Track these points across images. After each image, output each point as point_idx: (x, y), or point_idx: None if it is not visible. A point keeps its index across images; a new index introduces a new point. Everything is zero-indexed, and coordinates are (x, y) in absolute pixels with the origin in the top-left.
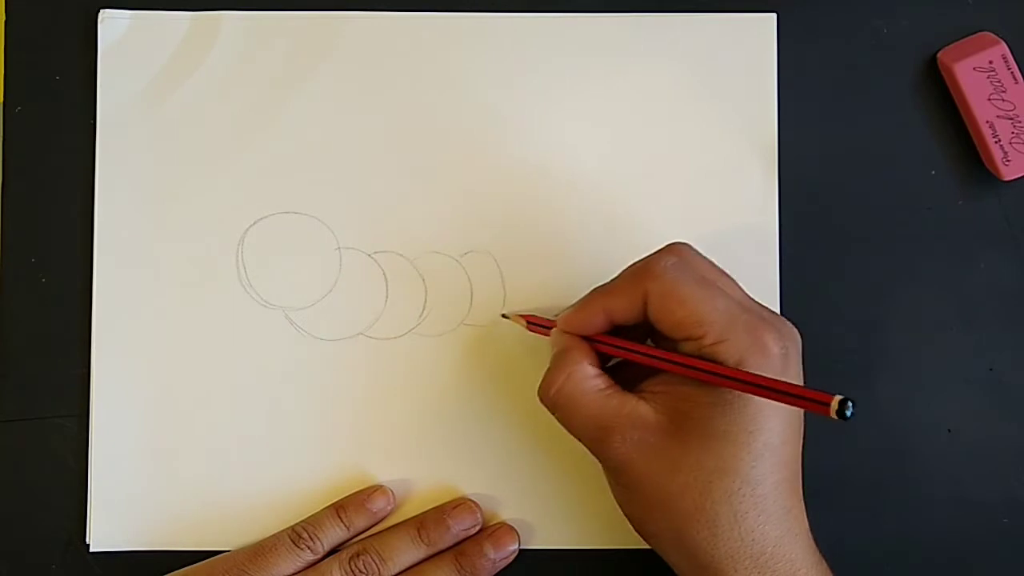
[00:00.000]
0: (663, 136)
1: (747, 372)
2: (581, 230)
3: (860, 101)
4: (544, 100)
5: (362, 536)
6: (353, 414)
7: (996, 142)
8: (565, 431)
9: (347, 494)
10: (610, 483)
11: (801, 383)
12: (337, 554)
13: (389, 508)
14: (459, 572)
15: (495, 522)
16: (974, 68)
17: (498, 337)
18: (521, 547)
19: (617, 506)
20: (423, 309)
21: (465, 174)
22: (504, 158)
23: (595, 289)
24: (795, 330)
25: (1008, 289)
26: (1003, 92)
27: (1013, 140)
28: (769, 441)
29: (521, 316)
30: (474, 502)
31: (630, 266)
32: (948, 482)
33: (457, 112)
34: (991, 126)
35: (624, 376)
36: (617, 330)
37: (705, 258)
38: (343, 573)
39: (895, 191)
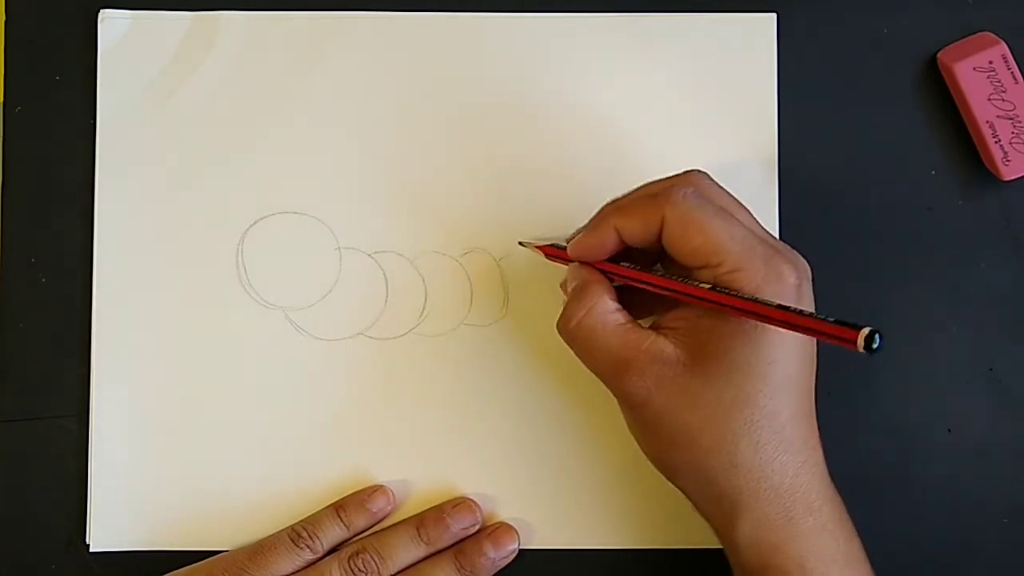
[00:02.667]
0: (663, 136)
1: (768, 303)
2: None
3: (860, 101)
4: (544, 100)
5: (362, 535)
6: (353, 414)
7: (996, 142)
8: (565, 431)
9: (347, 494)
10: (627, 420)
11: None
12: (336, 553)
13: (389, 508)
14: (459, 571)
15: (495, 522)
16: (974, 68)
17: (498, 337)
18: (521, 547)
19: (616, 506)
20: (423, 309)
21: (465, 174)
22: (504, 158)
23: (608, 206)
24: (806, 264)
25: (1008, 289)
26: (1003, 92)
27: (1013, 140)
28: (787, 372)
29: (538, 246)
30: (474, 501)
31: (645, 187)
32: (948, 482)
33: (457, 112)
34: (991, 126)
35: (634, 303)
36: (624, 253)
37: (722, 188)
38: (343, 572)
39: (895, 191)
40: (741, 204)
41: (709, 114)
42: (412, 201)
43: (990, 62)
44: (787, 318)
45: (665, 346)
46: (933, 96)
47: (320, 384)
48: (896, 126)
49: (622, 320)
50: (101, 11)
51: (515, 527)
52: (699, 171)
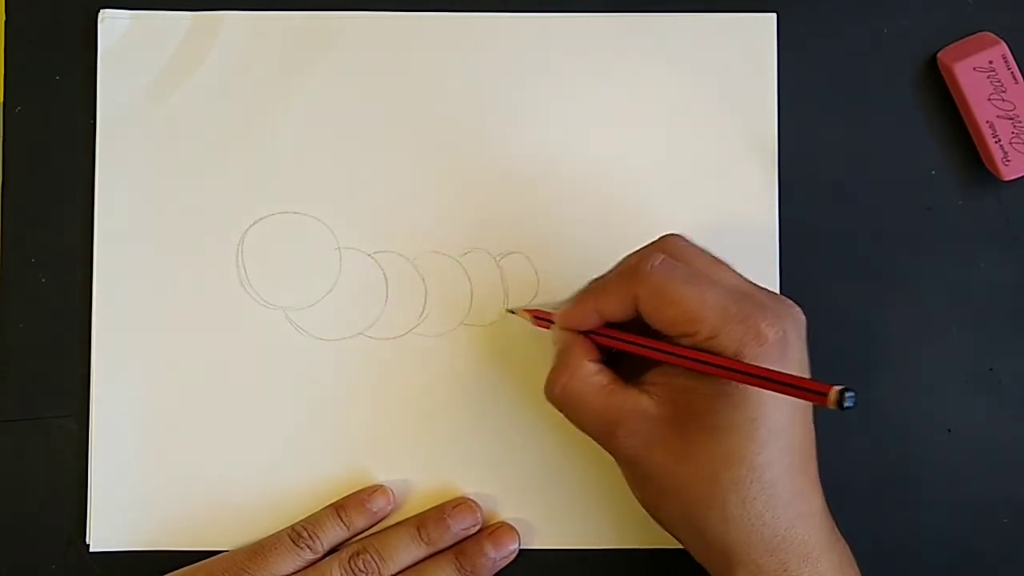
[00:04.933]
0: (663, 136)
1: (744, 363)
2: (581, 230)
3: (860, 101)
4: (544, 100)
5: (362, 535)
6: (353, 414)
7: (996, 142)
8: (565, 431)
9: (347, 494)
10: (623, 474)
11: (805, 366)
12: (337, 553)
13: (389, 508)
14: (459, 571)
15: (495, 522)
16: (974, 68)
17: (498, 337)
18: (521, 547)
19: (616, 506)
20: (423, 309)
21: (465, 174)
22: (504, 158)
23: (588, 285)
24: (796, 311)
25: (1008, 289)
26: (1003, 92)
27: (1013, 140)
28: (774, 427)
29: (527, 311)
30: (474, 501)
31: (620, 263)
32: (948, 482)
33: (457, 112)
34: (991, 126)
35: (627, 366)
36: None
37: (696, 248)
38: (343, 572)
39: (895, 191)
40: (719, 261)
41: (709, 114)
42: (412, 201)
43: (990, 62)
44: (762, 374)
45: (648, 404)
46: (933, 96)
47: (320, 384)
48: (896, 126)
49: (604, 381)
50: (101, 11)
51: (516, 527)
52: (672, 235)
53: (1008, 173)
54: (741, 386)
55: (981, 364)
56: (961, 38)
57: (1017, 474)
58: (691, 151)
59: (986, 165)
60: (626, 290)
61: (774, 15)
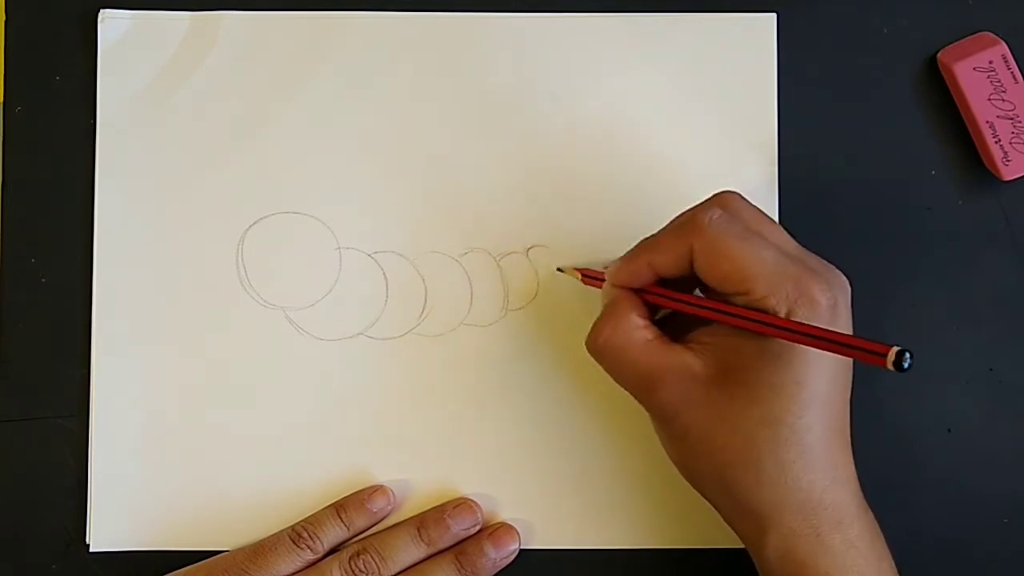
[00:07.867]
0: (663, 136)
1: (799, 323)
2: (580, 230)
3: (860, 101)
4: (544, 100)
5: (362, 536)
6: (353, 414)
7: (996, 142)
8: (565, 431)
9: (347, 494)
10: (657, 431)
11: (851, 333)
12: (337, 553)
13: (389, 508)
14: (459, 571)
15: (496, 522)
16: (974, 68)
17: (498, 337)
18: (522, 547)
19: (616, 506)
20: (423, 309)
21: (465, 174)
22: (504, 158)
23: (641, 242)
24: (844, 279)
25: (1008, 289)
26: (1003, 92)
27: (1013, 140)
28: (816, 392)
29: (576, 269)
30: (474, 502)
31: (676, 218)
32: (948, 482)
33: (457, 112)
34: (991, 126)
35: (674, 326)
36: (667, 281)
37: (752, 206)
38: (343, 572)
39: (895, 191)
40: (773, 221)
41: (709, 114)
42: (412, 201)
43: (990, 62)
44: (820, 334)
45: (693, 362)
46: (933, 96)
47: (320, 384)
48: (896, 126)
49: (649, 336)
50: (101, 11)
51: (516, 527)
52: (729, 192)
53: (1008, 173)
54: (789, 348)
55: (981, 364)
56: (961, 38)
57: (1017, 474)
58: (691, 151)
59: (986, 165)
60: (681, 243)
61: (774, 15)
